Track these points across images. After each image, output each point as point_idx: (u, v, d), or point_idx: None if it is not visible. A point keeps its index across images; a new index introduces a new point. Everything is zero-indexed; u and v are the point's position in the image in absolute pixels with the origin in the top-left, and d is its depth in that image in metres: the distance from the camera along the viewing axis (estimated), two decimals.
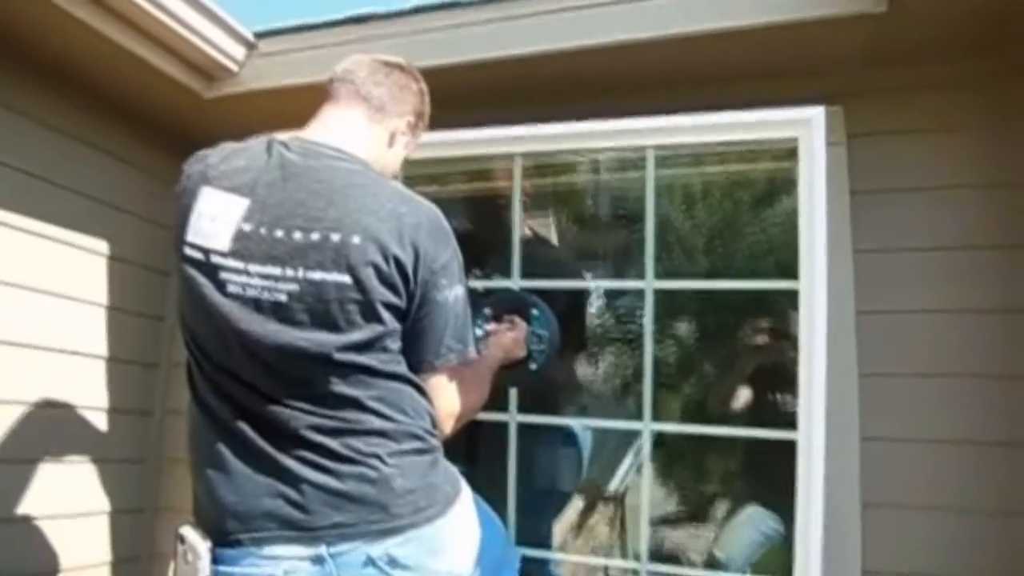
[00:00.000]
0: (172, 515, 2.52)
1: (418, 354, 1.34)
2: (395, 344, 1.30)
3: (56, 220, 2.23)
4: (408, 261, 1.26)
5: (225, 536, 1.23)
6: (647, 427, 2.07)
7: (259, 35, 2.30)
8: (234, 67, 2.27)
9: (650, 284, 2.05)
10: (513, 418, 2.13)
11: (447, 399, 1.39)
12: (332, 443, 1.23)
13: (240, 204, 1.25)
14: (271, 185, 1.26)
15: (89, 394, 2.33)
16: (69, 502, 2.23)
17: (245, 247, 1.23)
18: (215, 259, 1.23)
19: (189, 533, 1.25)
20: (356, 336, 1.24)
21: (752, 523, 2.77)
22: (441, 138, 2.04)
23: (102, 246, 2.39)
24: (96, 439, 2.35)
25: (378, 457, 1.24)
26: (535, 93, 2.21)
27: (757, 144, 2.09)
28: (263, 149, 1.32)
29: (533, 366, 1.94)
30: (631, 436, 3.54)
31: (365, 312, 1.24)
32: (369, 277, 1.23)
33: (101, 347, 2.37)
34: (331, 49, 2.17)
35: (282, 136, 1.37)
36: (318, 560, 1.20)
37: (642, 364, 2.06)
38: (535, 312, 1.97)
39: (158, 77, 2.21)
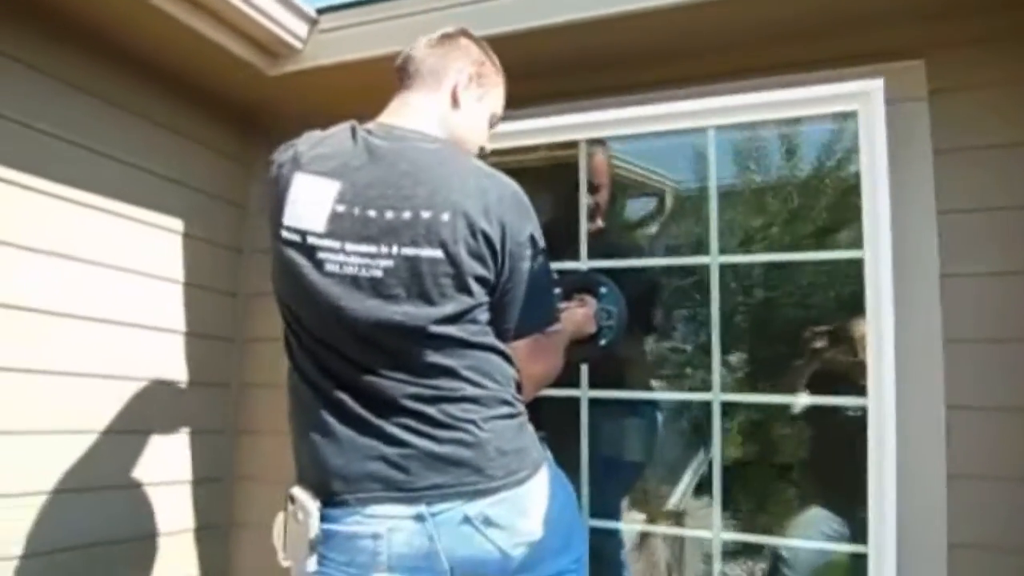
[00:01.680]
0: (248, 484, 2.60)
1: (504, 322, 1.40)
2: (483, 315, 1.36)
3: (131, 199, 2.29)
4: (495, 235, 1.32)
5: (331, 496, 1.30)
6: (716, 398, 2.09)
7: (321, 11, 2.29)
8: (297, 44, 2.28)
9: (715, 260, 2.10)
10: (584, 393, 2.20)
11: (528, 364, 1.45)
12: (430, 410, 1.29)
13: (333, 187, 1.33)
14: (360, 168, 1.34)
15: (169, 368, 2.41)
16: (154, 471, 2.32)
17: (340, 227, 1.31)
18: (312, 240, 1.31)
19: (300, 493, 1.32)
20: (449, 309, 1.30)
21: (816, 524, 2.75)
22: (502, 129, 2.08)
23: (176, 224, 2.44)
24: (176, 411, 2.43)
25: (474, 423, 1.30)
26: (604, 61, 2.17)
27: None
28: (348, 135, 1.40)
29: (602, 342, 1.99)
30: (690, 453, 3.58)
31: (457, 285, 1.30)
32: (460, 252, 1.29)
33: (179, 322, 2.44)
34: (392, 22, 2.17)
35: (364, 124, 1.44)
36: (419, 518, 1.27)
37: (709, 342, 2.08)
38: (603, 290, 2.02)
39: (224, 56, 2.23)
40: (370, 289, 1.29)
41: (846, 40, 1.99)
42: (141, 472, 2.28)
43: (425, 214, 1.29)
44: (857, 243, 1.97)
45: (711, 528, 2.07)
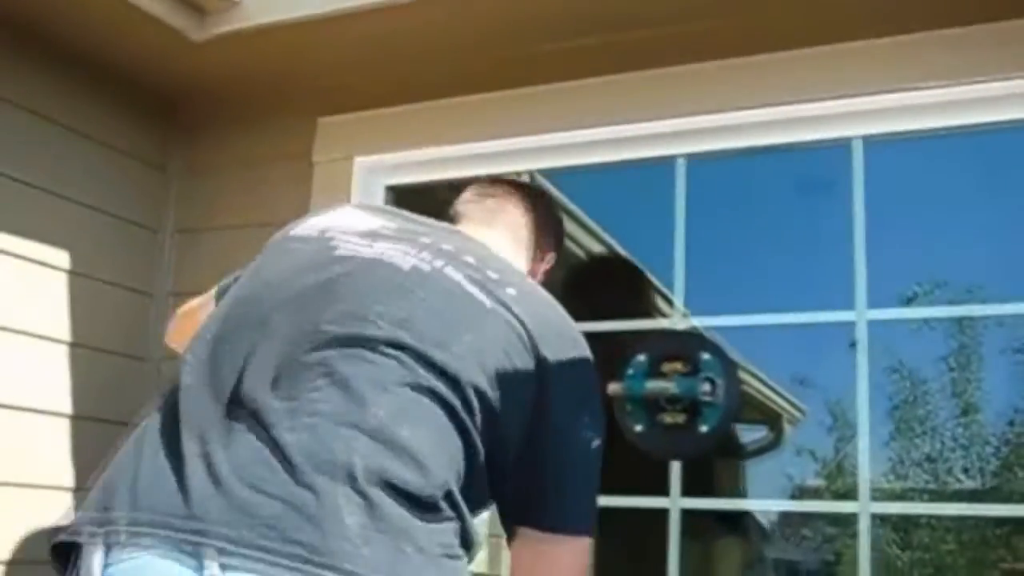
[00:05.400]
0: None
1: (535, 505, 1.11)
2: (479, 418, 1.02)
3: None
4: (531, 357, 1.07)
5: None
6: (864, 509, 1.68)
7: None
8: None
9: (862, 314, 1.74)
10: (675, 503, 1.77)
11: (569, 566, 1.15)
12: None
13: (372, 221, 1.23)
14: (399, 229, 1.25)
15: (53, 463, 1.78)
16: None
17: (375, 233, 1.19)
18: (331, 232, 1.18)
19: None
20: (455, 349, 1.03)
21: None
22: (595, 135, 1.82)
23: (61, 258, 1.86)
24: None
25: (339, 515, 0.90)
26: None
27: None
28: None
29: (704, 428, 1.64)
30: None
31: (475, 326, 1.07)
32: (494, 309, 1.08)
33: (64, 401, 1.81)
34: None
35: None
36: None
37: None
38: (706, 356, 1.65)
39: (132, 14, 1.73)
40: (380, 273, 1.10)
41: None
42: None
43: (468, 257, 1.14)
44: None
45: None
